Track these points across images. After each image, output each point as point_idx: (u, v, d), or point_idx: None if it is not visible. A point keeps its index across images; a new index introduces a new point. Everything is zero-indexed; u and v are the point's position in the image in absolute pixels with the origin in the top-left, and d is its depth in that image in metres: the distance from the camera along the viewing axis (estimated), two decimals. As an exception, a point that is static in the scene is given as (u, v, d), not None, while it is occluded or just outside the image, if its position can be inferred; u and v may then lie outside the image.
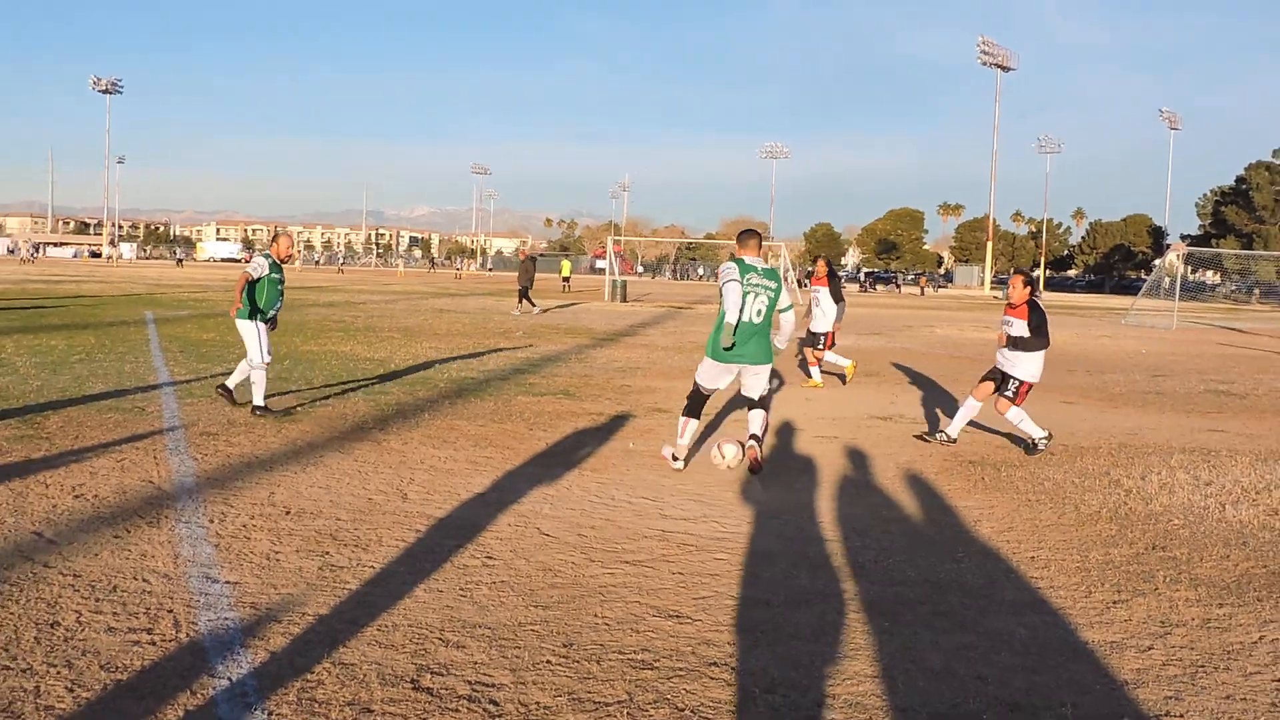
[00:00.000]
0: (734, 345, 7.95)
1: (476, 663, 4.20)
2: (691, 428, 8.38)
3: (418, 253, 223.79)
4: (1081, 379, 16.82)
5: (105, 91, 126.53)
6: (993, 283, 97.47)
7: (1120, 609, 5.12)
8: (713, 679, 4.12)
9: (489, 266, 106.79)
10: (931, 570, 5.67)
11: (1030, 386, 9.79)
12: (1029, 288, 9.78)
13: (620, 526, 6.43)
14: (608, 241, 49.83)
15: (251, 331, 10.39)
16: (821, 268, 15.01)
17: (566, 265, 57.74)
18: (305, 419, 10.07)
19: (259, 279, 10.45)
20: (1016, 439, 10.20)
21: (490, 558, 5.67)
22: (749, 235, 8.42)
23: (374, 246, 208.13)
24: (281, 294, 10.77)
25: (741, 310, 7.91)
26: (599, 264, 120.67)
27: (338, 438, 9.14)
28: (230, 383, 10.78)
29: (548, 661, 4.24)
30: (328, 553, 5.64)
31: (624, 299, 42.26)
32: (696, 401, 8.39)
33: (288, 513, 6.45)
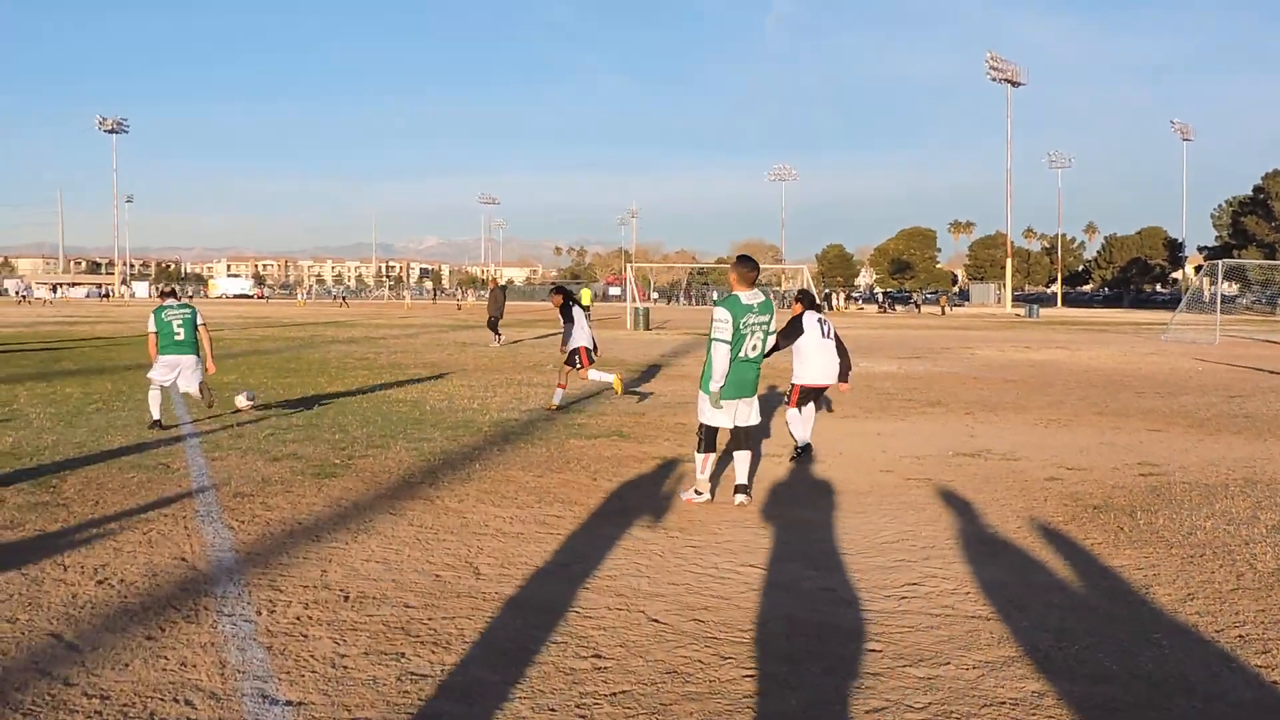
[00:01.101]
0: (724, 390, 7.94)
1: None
2: (710, 460, 8.23)
3: (429, 284, 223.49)
4: (1154, 402, 15.81)
5: (111, 131, 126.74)
6: (1013, 300, 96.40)
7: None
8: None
9: (457, 299, 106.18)
10: (1132, 660, 4.69)
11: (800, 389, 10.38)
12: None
13: (739, 607, 5.46)
14: (626, 269, 48.91)
15: None
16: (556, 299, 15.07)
17: (587, 294, 56.23)
18: (346, 473, 9.14)
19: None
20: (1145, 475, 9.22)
21: (599, 656, 4.72)
22: (745, 266, 8.03)
23: (385, 279, 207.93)
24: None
25: (739, 349, 7.88)
26: (612, 291, 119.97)
27: (386, 496, 8.21)
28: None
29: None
30: (403, 654, 4.69)
31: (647, 326, 41.34)
32: (709, 436, 8.18)
33: (346, 598, 5.51)
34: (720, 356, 7.79)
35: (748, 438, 8.30)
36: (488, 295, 29.90)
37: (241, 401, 12.78)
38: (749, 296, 7.92)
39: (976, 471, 9.71)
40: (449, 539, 6.83)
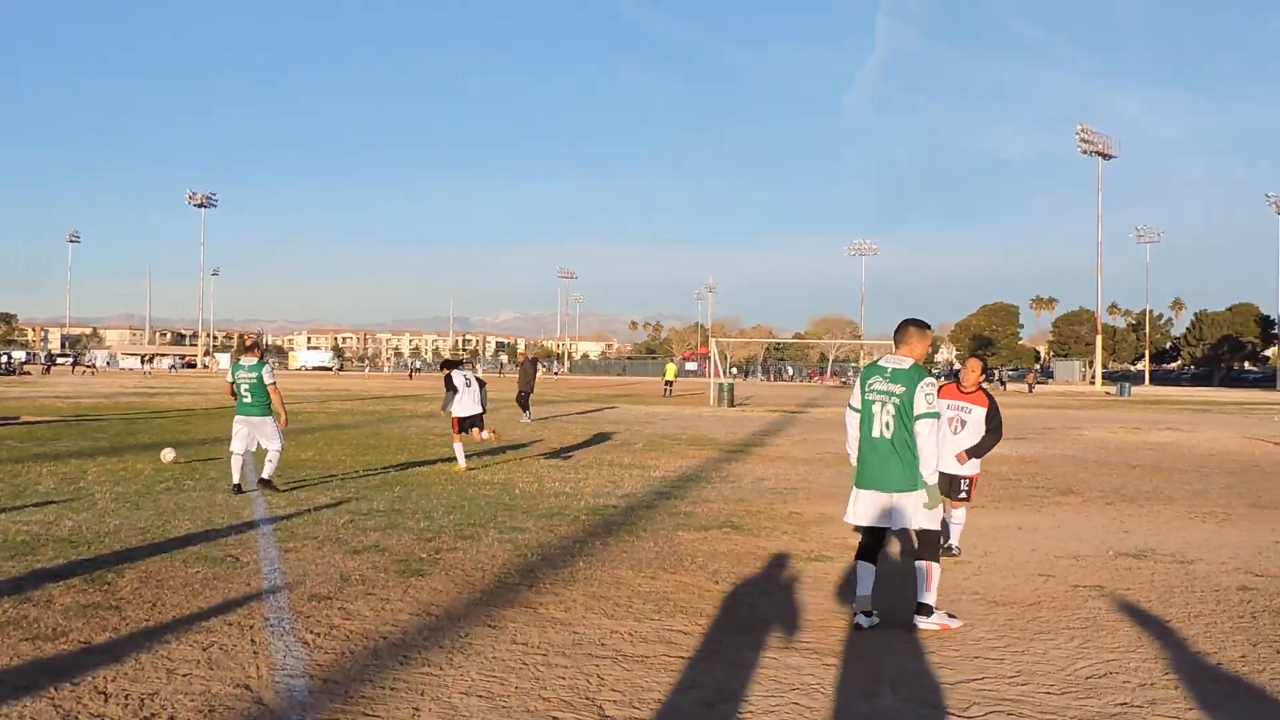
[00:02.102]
0: (861, 469, 6.78)
1: None
2: (869, 575, 6.75)
3: (504, 358, 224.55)
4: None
5: (201, 205, 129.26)
6: (1104, 378, 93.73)
7: None
8: None
9: (555, 370, 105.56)
10: None
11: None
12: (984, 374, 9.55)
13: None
14: (710, 344, 47.82)
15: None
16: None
17: (671, 368, 55.80)
18: (434, 570, 8.08)
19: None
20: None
21: None
22: (902, 328, 6.92)
23: (462, 352, 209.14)
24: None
25: (867, 425, 6.73)
26: (689, 366, 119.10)
27: (481, 601, 7.12)
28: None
29: None
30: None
31: (732, 403, 40.11)
32: (865, 542, 6.85)
33: (445, 750, 4.41)
34: (850, 422, 6.92)
35: (925, 550, 6.77)
36: (518, 368, 28.81)
37: (167, 455, 14.96)
38: (892, 361, 6.78)
39: (1150, 577, 8.40)
40: (561, 663, 5.71)
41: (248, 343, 14.35)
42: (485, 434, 15.70)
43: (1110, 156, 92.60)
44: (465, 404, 15.37)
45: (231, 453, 12.50)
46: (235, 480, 12.26)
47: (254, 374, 12.50)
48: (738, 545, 9.54)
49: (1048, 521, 11.46)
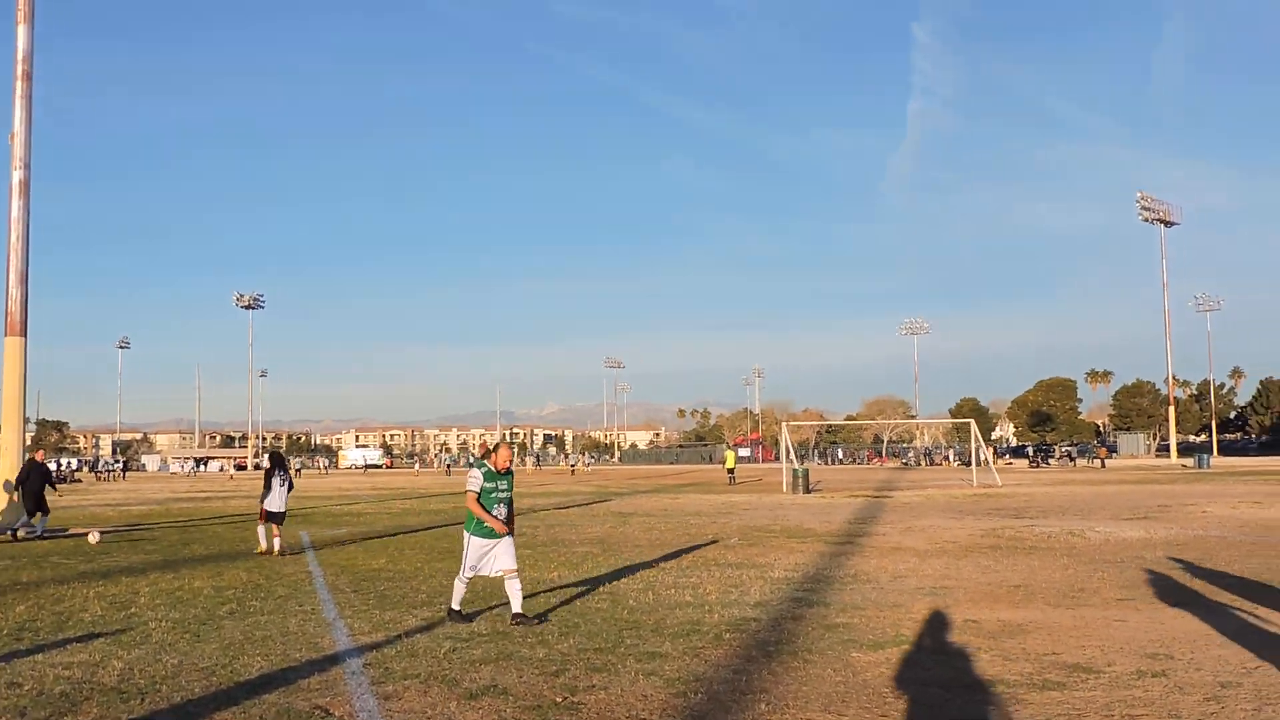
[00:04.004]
0: None
1: None
2: None
3: (553, 450, 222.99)
4: None
5: (248, 307, 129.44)
6: (1162, 449, 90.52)
7: None
8: None
9: (595, 460, 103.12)
10: None
11: None
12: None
13: None
14: (783, 430, 45.84)
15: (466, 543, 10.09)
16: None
17: (731, 456, 53.88)
18: (567, 716, 6.33)
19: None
20: None
21: None
22: None
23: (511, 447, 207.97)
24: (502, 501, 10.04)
25: None
26: (742, 452, 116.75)
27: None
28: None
29: None
30: None
31: (808, 489, 38.08)
32: None
33: None
34: None
35: None
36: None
37: (93, 537, 15.73)
38: None
39: None
40: None
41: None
42: (276, 537, 17.31)
43: (1172, 224, 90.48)
44: (274, 501, 17.16)
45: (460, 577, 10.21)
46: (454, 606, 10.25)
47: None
48: (929, 669, 7.71)
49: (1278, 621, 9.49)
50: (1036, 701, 6.73)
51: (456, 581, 10.23)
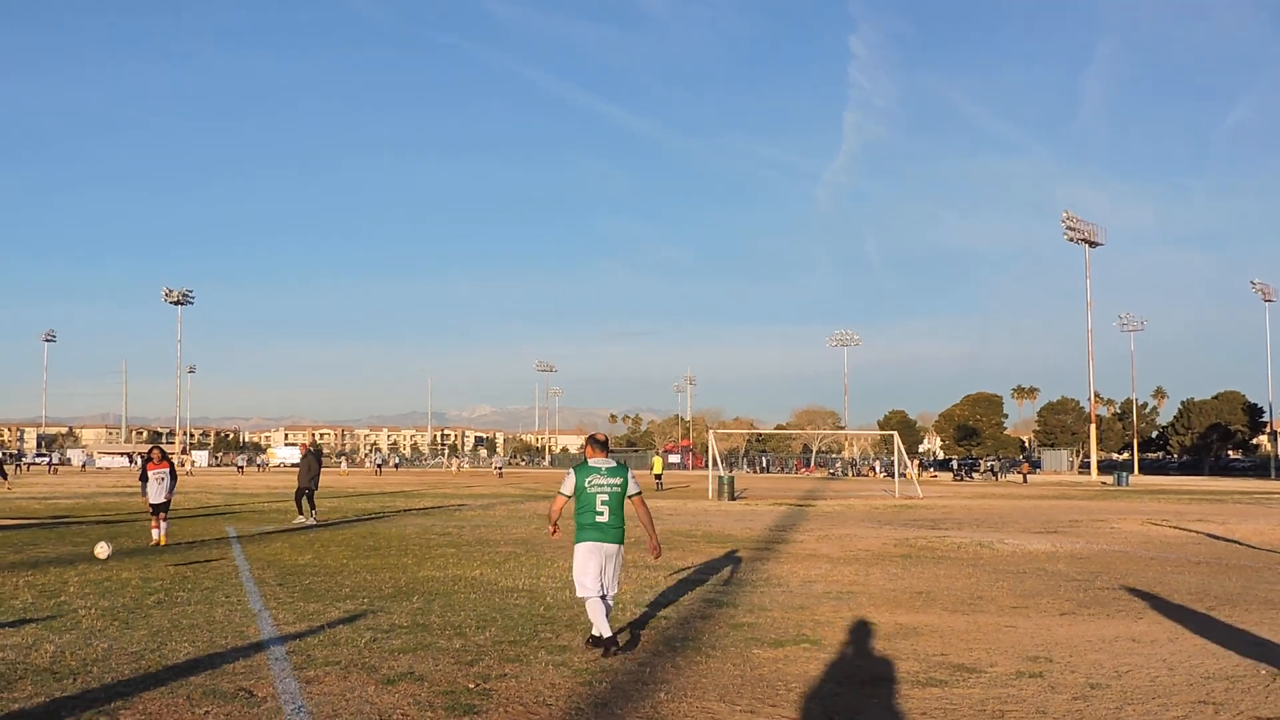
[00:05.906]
0: None
1: None
2: None
3: (484, 452, 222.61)
4: None
5: (177, 303, 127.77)
6: (1085, 466, 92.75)
7: None
8: None
9: (498, 467, 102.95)
10: None
11: None
12: None
13: None
14: (710, 437, 46.53)
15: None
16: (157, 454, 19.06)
17: (659, 462, 54.32)
18: (488, 707, 6.78)
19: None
20: None
21: None
22: None
23: (440, 448, 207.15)
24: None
25: None
26: (672, 459, 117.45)
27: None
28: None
29: None
30: None
31: (733, 496, 38.73)
32: None
33: None
34: None
35: None
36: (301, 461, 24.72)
37: (101, 550, 15.33)
38: None
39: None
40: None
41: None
42: (162, 527, 18.36)
43: (1096, 244, 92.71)
44: (154, 492, 18.29)
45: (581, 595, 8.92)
46: (603, 632, 8.68)
47: (618, 481, 9.01)
48: (826, 666, 8.26)
49: (1157, 632, 10.16)
50: (918, 697, 7.28)
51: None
